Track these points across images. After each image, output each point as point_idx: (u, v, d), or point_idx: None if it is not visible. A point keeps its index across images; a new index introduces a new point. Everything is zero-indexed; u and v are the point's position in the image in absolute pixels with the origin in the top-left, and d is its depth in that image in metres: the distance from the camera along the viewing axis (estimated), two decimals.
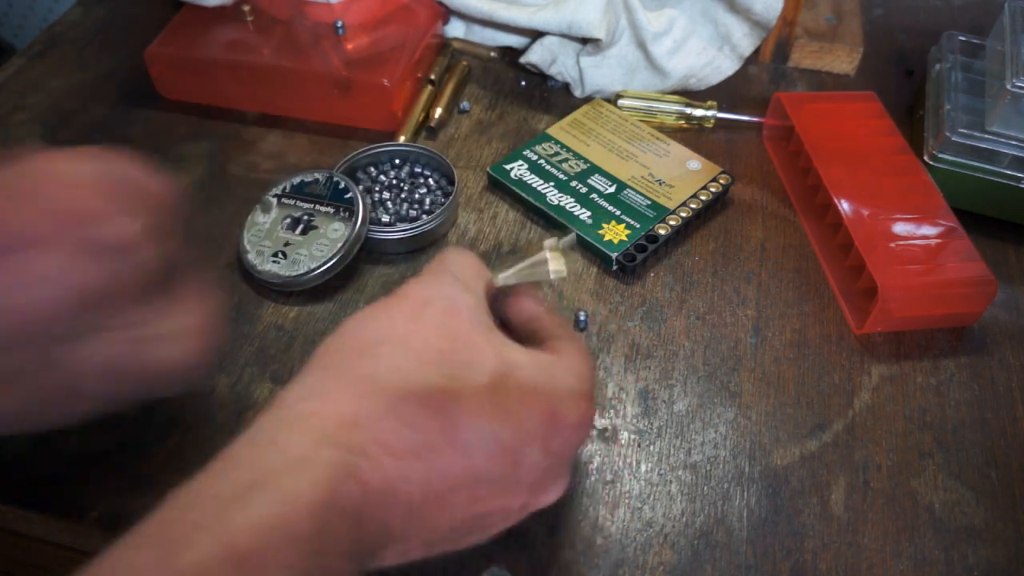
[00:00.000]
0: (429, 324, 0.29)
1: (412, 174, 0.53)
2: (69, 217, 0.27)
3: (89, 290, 0.28)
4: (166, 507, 0.24)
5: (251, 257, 0.46)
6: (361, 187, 0.50)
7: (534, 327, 0.34)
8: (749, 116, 0.58)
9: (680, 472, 0.40)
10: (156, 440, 0.40)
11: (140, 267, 0.29)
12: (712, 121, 0.58)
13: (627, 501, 0.39)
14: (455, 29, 0.63)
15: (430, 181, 0.52)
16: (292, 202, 0.48)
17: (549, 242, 0.35)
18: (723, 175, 0.53)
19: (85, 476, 0.39)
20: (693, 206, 0.51)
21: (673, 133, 0.57)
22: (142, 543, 0.23)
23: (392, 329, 0.29)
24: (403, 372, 0.28)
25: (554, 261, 0.34)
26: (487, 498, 0.29)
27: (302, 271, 0.45)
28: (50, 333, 0.28)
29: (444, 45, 0.62)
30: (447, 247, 0.34)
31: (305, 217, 0.48)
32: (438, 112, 0.57)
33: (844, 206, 0.48)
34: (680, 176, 0.52)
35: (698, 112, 0.57)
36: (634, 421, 0.42)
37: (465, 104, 0.59)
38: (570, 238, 0.36)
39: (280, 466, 0.25)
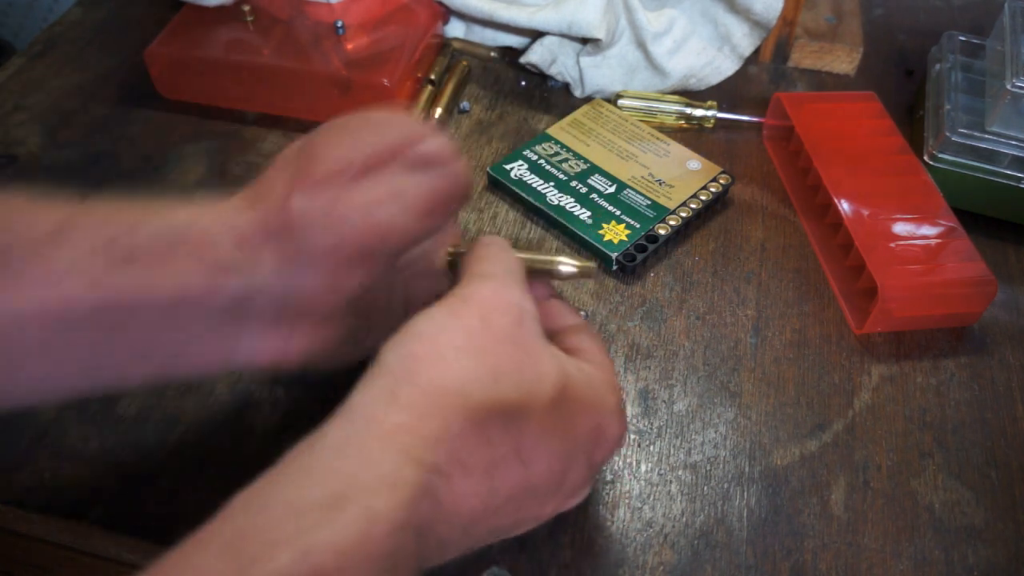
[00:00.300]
0: (501, 334, 0.28)
1: None
2: (399, 141, 0.32)
3: (425, 200, 0.32)
4: (237, 512, 0.23)
5: None
6: None
7: (547, 311, 0.34)
8: (749, 116, 0.58)
9: (680, 472, 0.40)
10: (156, 440, 0.40)
11: (456, 178, 0.33)
12: (712, 121, 0.58)
13: (627, 501, 0.39)
14: (455, 29, 0.63)
15: None
16: None
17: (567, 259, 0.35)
18: (723, 175, 0.53)
19: (85, 476, 0.39)
20: (693, 206, 0.51)
21: (673, 133, 0.57)
22: (215, 549, 0.23)
23: (467, 338, 0.28)
24: (483, 386, 0.27)
25: (570, 262, 0.34)
26: (531, 506, 0.30)
27: None
28: (402, 246, 0.33)
29: (444, 45, 0.62)
30: (485, 237, 0.33)
31: None
32: (438, 112, 0.57)
33: (844, 206, 0.48)
34: (680, 176, 0.52)
35: (698, 112, 0.57)
36: (634, 421, 0.42)
37: (465, 104, 0.59)
38: (589, 266, 0.35)
39: (368, 483, 0.24)
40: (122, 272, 0.28)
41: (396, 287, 0.37)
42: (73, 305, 0.28)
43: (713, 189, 0.52)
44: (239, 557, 0.22)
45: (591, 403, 0.30)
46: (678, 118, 0.58)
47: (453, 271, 0.36)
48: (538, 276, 0.35)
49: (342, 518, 0.23)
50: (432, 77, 0.59)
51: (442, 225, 0.34)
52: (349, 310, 0.34)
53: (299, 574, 0.22)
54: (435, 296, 0.33)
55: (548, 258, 0.34)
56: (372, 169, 0.32)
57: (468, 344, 0.28)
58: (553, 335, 0.33)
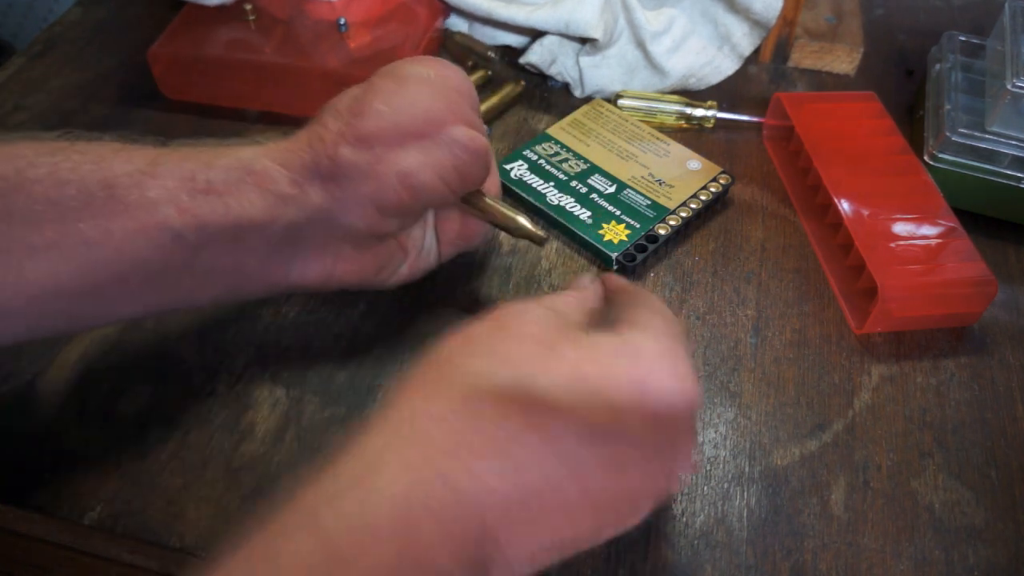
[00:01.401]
0: (518, 333, 0.29)
1: None
2: (431, 121, 0.36)
3: (454, 173, 0.37)
4: (272, 513, 0.26)
5: None
6: None
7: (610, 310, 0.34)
8: (749, 116, 0.58)
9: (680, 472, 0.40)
10: (156, 440, 0.40)
11: (480, 159, 0.37)
12: (712, 121, 0.58)
13: None
14: (456, 27, 0.63)
15: None
16: None
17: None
18: (723, 175, 0.53)
19: (85, 476, 0.39)
20: (693, 206, 0.51)
21: (673, 133, 0.57)
22: (246, 543, 0.25)
23: (490, 348, 0.29)
24: (486, 375, 0.28)
25: (526, 222, 0.40)
26: (606, 494, 0.29)
27: None
28: (431, 205, 0.39)
29: (443, 42, 0.62)
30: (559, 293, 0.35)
31: None
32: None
33: (844, 206, 0.48)
34: (680, 176, 0.52)
35: (698, 112, 0.57)
36: None
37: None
38: (540, 235, 0.41)
39: (366, 468, 0.26)
40: (202, 200, 0.34)
41: (429, 228, 0.42)
42: (165, 228, 0.33)
43: (713, 189, 0.52)
44: (266, 546, 0.25)
45: (619, 359, 0.29)
46: (678, 118, 0.58)
47: (468, 204, 0.41)
48: (491, 222, 0.41)
49: (348, 496, 0.26)
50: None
51: (465, 191, 0.39)
52: (385, 243, 0.40)
53: (315, 550, 0.24)
54: (463, 236, 0.43)
55: (511, 214, 0.40)
56: (414, 137, 0.36)
57: (483, 345, 0.29)
58: (613, 314, 0.33)
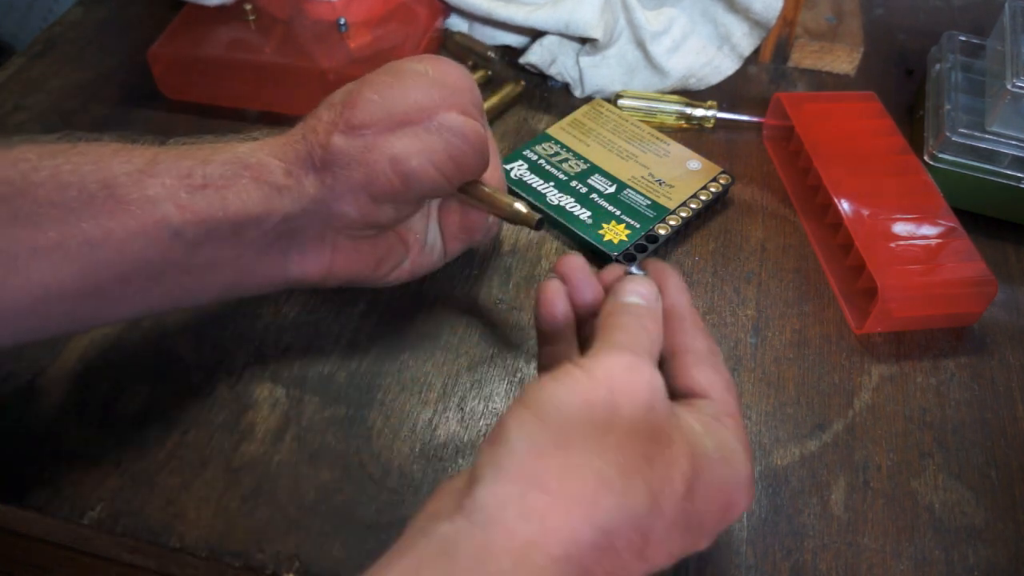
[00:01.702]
0: (630, 422, 0.27)
1: None
2: (423, 109, 0.36)
3: (447, 159, 0.37)
4: None
5: None
6: None
7: (673, 329, 0.33)
8: (749, 116, 0.58)
9: None
10: (156, 440, 0.40)
11: (474, 145, 0.37)
12: (712, 121, 0.58)
13: None
14: (456, 27, 0.63)
15: None
16: None
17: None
18: (723, 175, 0.53)
19: (85, 476, 0.39)
20: (693, 206, 0.51)
21: (673, 133, 0.57)
22: None
23: (592, 423, 0.26)
24: (614, 491, 0.26)
25: (524, 208, 0.39)
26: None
27: None
28: (425, 193, 0.38)
29: (443, 42, 0.62)
30: (629, 297, 0.31)
31: None
32: None
33: (844, 206, 0.48)
34: (680, 176, 0.52)
35: (698, 112, 0.57)
36: None
37: None
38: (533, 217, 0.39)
39: None
40: (200, 196, 0.34)
41: (432, 221, 0.43)
42: (165, 226, 0.33)
43: (713, 189, 0.52)
44: None
45: (723, 482, 0.28)
46: (678, 118, 0.58)
47: (465, 193, 0.40)
48: (488, 211, 0.40)
49: None
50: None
51: (462, 180, 0.39)
52: (384, 236, 0.40)
53: None
54: (465, 229, 0.42)
55: (507, 200, 0.39)
56: (406, 124, 0.36)
57: (594, 430, 0.26)
58: (674, 356, 0.32)
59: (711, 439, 0.29)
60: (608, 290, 0.35)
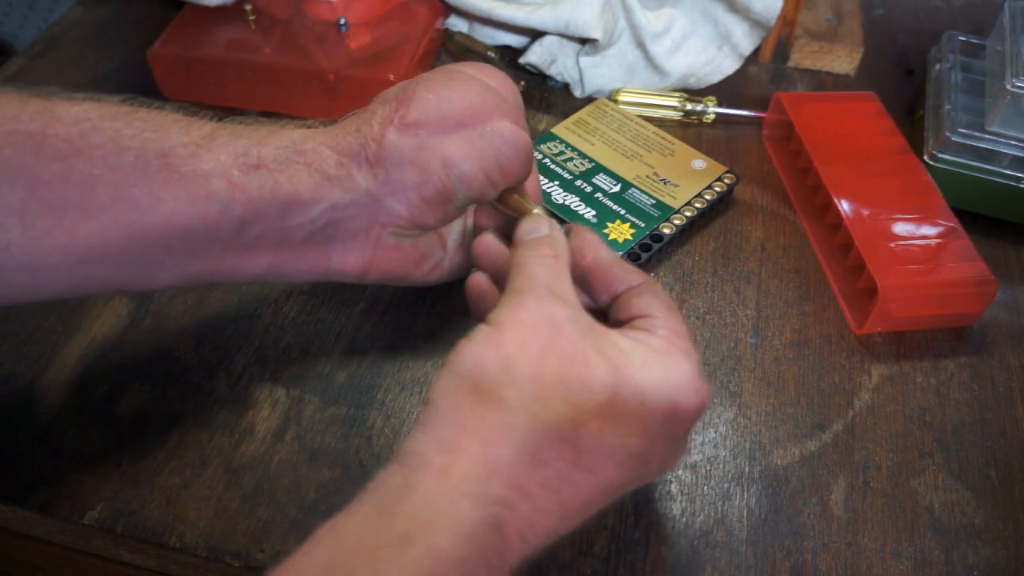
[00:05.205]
0: (540, 354, 0.29)
1: None
2: (477, 113, 0.37)
3: (496, 166, 0.37)
4: (318, 548, 0.26)
5: None
6: None
7: (605, 278, 0.35)
8: (749, 110, 0.58)
9: (680, 472, 0.40)
10: (156, 440, 0.40)
11: (522, 154, 0.38)
12: (712, 116, 0.58)
13: (627, 501, 0.39)
14: (456, 27, 0.63)
15: None
16: None
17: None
18: (728, 175, 0.53)
19: (85, 476, 0.39)
20: (698, 205, 0.51)
21: (673, 130, 0.57)
22: None
23: (506, 366, 0.29)
24: (528, 412, 0.28)
25: (542, 213, 0.38)
26: (616, 494, 0.31)
27: None
28: (473, 198, 0.38)
29: (443, 42, 0.62)
30: (521, 245, 0.34)
31: None
32: None
33: (844, 206, 0.48)
34: (685, 175, 0.52)
35: (698, 107, 0.57)
36: None
37: None
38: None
39: (429, 523, 0.26)
40: (253, 175, 0.34)
41: (469, 224, 0.43)
42: (215, 200, 0.34)
43: (718, 188, 0.52)
44: None
45: (656, 386, 0.30)
46: (677, 111, 0.58)
47: (499, 203, 0.40)
48: (517, 217, 0.39)
49: (409, 554, 0.25)
50: None
51: (505, 187, 0.39)
52: (427, 237, 0.40)
53: None
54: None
55: (530, 207, 0.39)
56: (459, 126, 0.37)
57: (508, 372, 0.29)
58: (616, 300, 0.35)
59: (639, 350, 0.31)
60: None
